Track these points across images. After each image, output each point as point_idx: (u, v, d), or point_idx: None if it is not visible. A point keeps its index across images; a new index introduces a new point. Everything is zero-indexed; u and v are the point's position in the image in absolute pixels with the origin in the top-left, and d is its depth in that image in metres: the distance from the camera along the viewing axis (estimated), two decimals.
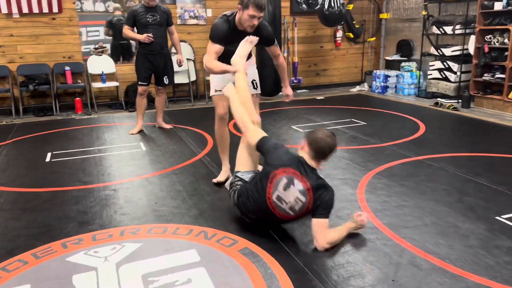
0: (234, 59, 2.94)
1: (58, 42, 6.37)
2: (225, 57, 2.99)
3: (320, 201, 2.29)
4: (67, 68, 6.33)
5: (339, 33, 7.90)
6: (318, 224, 2.30)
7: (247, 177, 2.60)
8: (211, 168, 3.67)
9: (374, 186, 3.24)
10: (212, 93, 3.30)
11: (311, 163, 2.36)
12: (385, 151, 4.09)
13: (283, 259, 2.25)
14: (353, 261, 2.23)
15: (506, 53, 5.61)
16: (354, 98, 7.16)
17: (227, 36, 2.98)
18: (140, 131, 5.04)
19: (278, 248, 2.36)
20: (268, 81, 6.44)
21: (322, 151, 2.34)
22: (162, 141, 4.61)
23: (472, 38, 6.00)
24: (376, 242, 2.42)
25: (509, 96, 5.61)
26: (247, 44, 2.96)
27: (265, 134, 2.58)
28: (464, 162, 3.73)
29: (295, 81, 7.67)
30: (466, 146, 4.24)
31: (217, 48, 2.97)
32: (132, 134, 4.96)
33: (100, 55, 6.63)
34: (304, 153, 2.38)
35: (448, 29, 6.39)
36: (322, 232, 2.30)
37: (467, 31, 6.18)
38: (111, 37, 6.80)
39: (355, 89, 7.87)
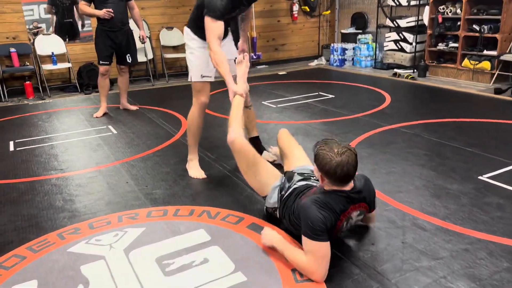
0: (238, 81, 2.67)
1: None
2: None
3: (372, 202, 2.16)
4: (12, 49, 5.84)
5: (295, 7, 7.89)
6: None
7: (275, 198, 2.29)
8: None
9: (359, 155, 3.23)
10: (196, 78, 2.85)
11: (344, 189, 1.94)
12: (360, 121, 4.19)
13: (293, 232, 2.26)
14: (360, 226, 2.29)
15: (458, 23, 5.88)
16: (315, 72, 7.23)
17: (229, 6, 2.58)
18: (105, 114, 4.80)
19: None
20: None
21: (346, 177, 1.89)
22: (132, 123, 4.42)
23: (427, 9, 6.23)
24: (376, 208, 2.49)
25: (462, 64, 5.92)
26: (242, 66, 2.74)
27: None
28: (436, 127, 3.91)
29: (255, 57, 7.61)
30: (432, 113, 4.44)
31: (221, 27, 2.56)
32: (97, 117, 4.71)
33: (48, 34, 6.18)
34: (330, 187, 1.94)
35: (403, 1, 6.58)
36: None
37: (422, 2, 6.40)
38: (54, 15, 6.32)
39: (313, 63, 7.95)
